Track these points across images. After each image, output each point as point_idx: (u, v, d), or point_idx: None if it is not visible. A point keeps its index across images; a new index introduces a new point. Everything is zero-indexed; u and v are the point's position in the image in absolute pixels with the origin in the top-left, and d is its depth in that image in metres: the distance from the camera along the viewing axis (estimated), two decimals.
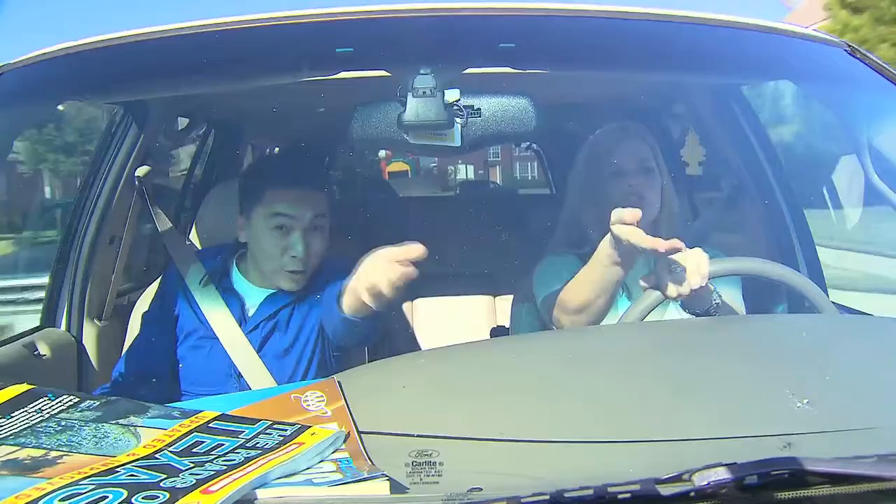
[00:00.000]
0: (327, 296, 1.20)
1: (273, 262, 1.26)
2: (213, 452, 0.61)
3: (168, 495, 0.52)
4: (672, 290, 1.04)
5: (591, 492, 0.52)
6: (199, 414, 0.67)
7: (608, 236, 1.04)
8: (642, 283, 1.07)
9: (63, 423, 0.64)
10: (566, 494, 0.52)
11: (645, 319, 1.05)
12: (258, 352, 1.27)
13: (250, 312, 1.30)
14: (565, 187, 1.40)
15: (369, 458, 0.62)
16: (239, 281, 1.33)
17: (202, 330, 1.29)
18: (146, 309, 1.40)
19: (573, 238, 1.35)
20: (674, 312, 1.23)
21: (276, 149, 2.93)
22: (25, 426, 0.63)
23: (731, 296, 1.23)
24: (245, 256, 1.34)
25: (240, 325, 1.28)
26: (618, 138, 1.33)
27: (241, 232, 1.31)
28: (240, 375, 1.26)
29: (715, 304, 1.10)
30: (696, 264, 1.03)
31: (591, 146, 1.36)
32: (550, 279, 1.26)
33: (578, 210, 1.36)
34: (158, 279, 1.46)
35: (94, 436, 0.62)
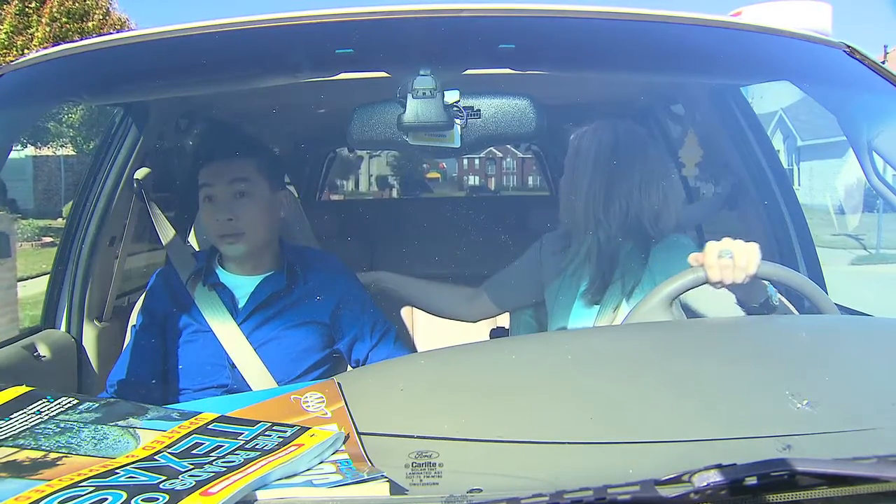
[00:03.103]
0: (316, 286, 1.29)
1: (211, 231, 1.33)
2: (212, 454, 0.61)
3: (168, 497, 0.52)
4: (714, 273, 1.04)
5: (590, 493, 0.52)
6: (199, 415, 0.67)
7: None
8: (691, 260, 1.08)
9: (62, 425, 0.64)
10: (565, 495, 0.52)
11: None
12: (250, 340, 1.29)
13: (241, 303, 1.32)
14: (567, 185, 1.40)
15: (369, 459, 0.62)
16: (224, 275, 1.36)
17: (194, 325, 1.31)
18: (138, 314, 1.42)
19: (566, 234, 1.39)
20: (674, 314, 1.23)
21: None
22: (24, 428, 0.63)
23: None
24: (222, 253, 1.37)
25: (232, 317, 1.30)
26: (619, 135, 1.34)
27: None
28: (233, 366, 1.28)
29: (772, 304, 1.10)
30: (745, 259, 1.03)
31: (593, 142, 1.37)
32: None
33: (576, 205, 1.37)
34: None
35: (94, 437, 0.62)
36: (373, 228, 2.23)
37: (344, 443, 0.64)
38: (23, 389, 0.69)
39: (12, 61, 1.23)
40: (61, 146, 13.35)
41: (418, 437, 0.65)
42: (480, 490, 0.57)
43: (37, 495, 0.52)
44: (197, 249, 1.58)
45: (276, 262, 1.35)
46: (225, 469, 0.57)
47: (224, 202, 1.30)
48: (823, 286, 1.59)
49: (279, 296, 1.32)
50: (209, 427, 0.65)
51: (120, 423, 0.65)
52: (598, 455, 0.66)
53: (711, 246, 1.06)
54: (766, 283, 1.09)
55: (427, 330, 1.98)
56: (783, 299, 1.18)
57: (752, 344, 0.92)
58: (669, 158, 1.78)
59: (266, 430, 0.65)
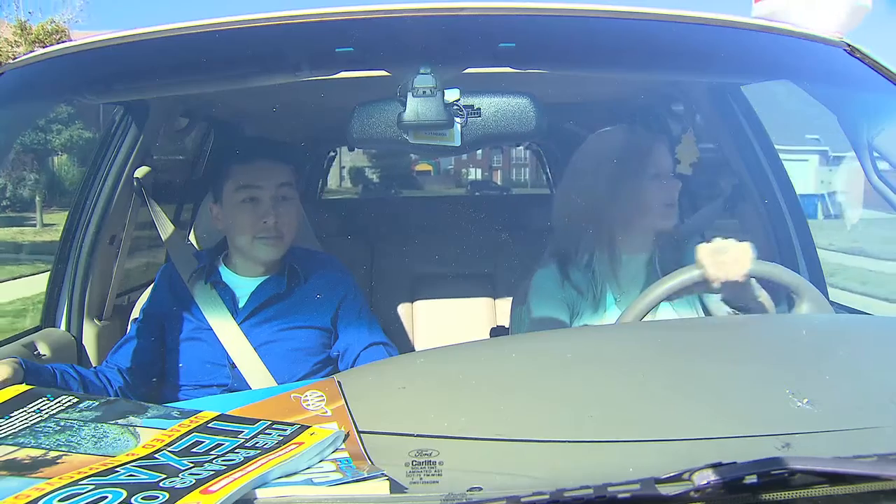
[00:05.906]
0: (317, 290, 1.28)
1: (248, 233, 1.31)
2: (212, 452, 0.61)
3: (167, 495, 0.52)
4: (712, 271, 1.06)
5: (590, 491, 0.52)
6: (199, 414, 0.67)
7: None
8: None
9: (62, 424, 0.64)
10: (566, 494, 0.52)
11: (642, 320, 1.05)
12: (250, 341, 1.29)
13: (241, 303, 1.32)
14: (567, 190, 1.39)
15: (369, 457, 0.62)
16: (227, 275, 1.36)
17: (195, 324, 1.31)
18: (141, 307, 1.42)
19: (566, 245, 1.35)
20: (669, 312, 1.23)
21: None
22: (24, 426, 0.63)
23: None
24: (230, 253, 1.37)
25: (232, 317, 1.30)
26: (647, 142, 1.33)
27: (217, 220, 1.35)
28: (233, 365, 1.28)
29: (758, 302, 1.11)
30: (737, 257, 1.06)
31: (614, 148, 1.35)
32: (540, 302, 1.30)
33: (583, 213, 1.34)
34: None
35: (94, 436, 0.62)
36: (373, 226, 2.22)
37: (344, 441, 0.64)
38: (23, 388, 0.70)
39: None
40: None
41: (418, 436, 0.65)
42: (480, 488, 0.57)
43: (36, 493, 0.52)
44: (197, 248, 1.58)
45: (278, 263, 1.35)
46: (225, 467, 0.57)
47: (269, 204, 1.30)
48: (824, 287, 1.59)
49: (280, 297, 1.32)
50: (209, 425, 0.65)
51: (120, 421, 0.65)
52: (599, 453, 0.66)
53: (704, 245, 1.08)
54: (753, 281, 1.10)
55: (427, 329, 1.98)
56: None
57: (752, 343, 0.92)
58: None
59: (266, 428, 0.65)
